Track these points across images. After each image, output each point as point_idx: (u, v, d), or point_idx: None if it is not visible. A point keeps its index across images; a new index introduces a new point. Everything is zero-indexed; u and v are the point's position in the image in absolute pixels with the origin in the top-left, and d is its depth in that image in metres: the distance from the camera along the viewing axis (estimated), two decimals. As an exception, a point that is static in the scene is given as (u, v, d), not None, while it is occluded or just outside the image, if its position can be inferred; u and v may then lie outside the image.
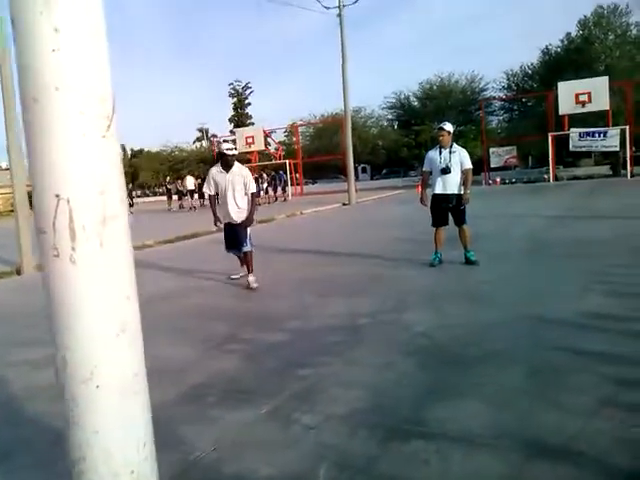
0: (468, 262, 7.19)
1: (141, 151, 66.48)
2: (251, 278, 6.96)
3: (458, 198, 7.17)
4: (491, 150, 34.59)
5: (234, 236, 7.03)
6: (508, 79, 42.61)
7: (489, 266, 6.99)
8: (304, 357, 4.06)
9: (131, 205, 32.66)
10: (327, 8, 23.21)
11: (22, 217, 10.08)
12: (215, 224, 7.17)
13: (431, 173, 7.40)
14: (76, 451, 1.01)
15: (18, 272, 9.93)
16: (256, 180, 31.84)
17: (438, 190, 7.23)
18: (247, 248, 6.97)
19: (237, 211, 6.89)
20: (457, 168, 7.15)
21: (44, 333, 4.17)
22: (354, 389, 3.37)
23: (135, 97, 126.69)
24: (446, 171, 7.10)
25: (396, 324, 4.75)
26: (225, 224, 7.10)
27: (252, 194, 6.98)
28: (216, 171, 6.96)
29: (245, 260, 7.10)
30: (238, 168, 6.93)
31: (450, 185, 7.16)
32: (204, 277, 7.99)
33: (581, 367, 3.45)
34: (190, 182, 31.34)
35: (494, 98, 43.57)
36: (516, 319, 4.59)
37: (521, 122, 40.09)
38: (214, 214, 7.13)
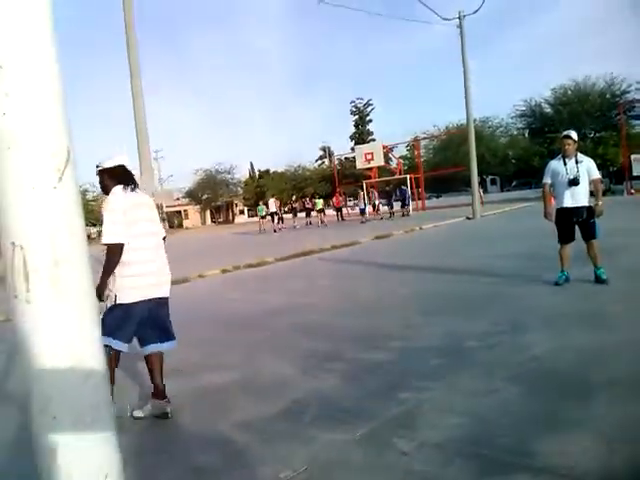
0: (598, 280, 6.56)
1: (267, 172, 69.69)
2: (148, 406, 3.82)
3: (589, 210, 6.60)
4: (633, 157, 31.53)
5: (154, 323, 3.81)
6: (653, 79, 38.72)
7: (621, 285, 6.32)
8: (405, 379, 3.94)
9: (281, 220, 33.52)
10: (446, 20, 22.76)
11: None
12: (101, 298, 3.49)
13: (552, 185, 6.90)
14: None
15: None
16: (364, 196, 31.45)
17: (567, 203, 6.68)
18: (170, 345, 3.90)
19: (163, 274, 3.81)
20: (585, 179, 6.61)
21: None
22: (454, 415, 3.20)
23: (263, 119, 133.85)
24: (575, 182, 6.56)
25: (507, 346, 4.44)
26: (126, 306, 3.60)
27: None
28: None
29: (154, 366, 3.86)
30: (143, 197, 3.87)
31: (579, 197, 6.60)
32: (313, 293, 8.11)
33: None
34: (272, 205, 32.27)
35: (637, 101, 39.72)
36: (648, 345, 4.09)
37: (670, 125, 36.17)
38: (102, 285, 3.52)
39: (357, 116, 64.51)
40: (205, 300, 9.00)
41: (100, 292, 3.45)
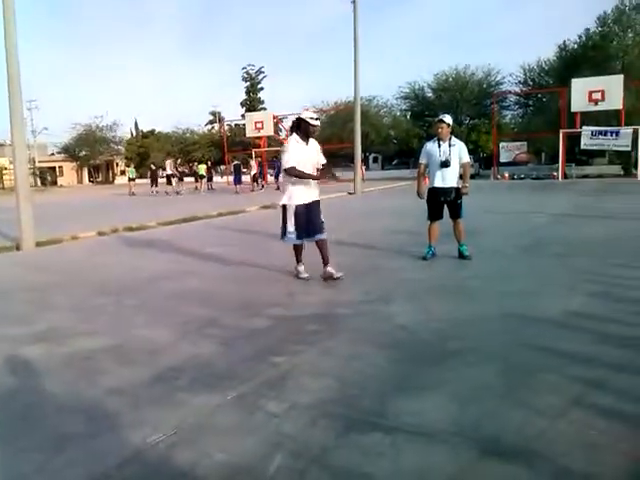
0: (461, 256, 7.17)
1: (152, 132, 66.34)
2: (330, 269, 6.25)
3: (457, 191, 7.14)
4: (501, 145, 34.33)
5: (312, 219, 6.23)
6: (525, 74, 42.14)
7: (481, 261, 6.96)
8: (280, 345, 4.06)
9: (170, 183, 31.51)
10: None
11: (22, 194, 10.15)
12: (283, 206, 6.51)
13: (427, 166, 7.36)
14: None
15: (18, 247, 10.02)
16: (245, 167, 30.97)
17: (437, 184, 7.18)
18: (326, 234, 6.30)
19: (316, 188, 6.34)
20: (456, 162, 7.11)
21: (33, 310, 4.27)
22: (323, 379, 3.37)
23: (148, 77, 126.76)
24: (446, 164, 7.05)
25: (377, 315, 4.74)
26: (299, 207, 6.20)
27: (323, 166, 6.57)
28: (295, 141, 6.24)
29: (322, 248, 6.27)
30: (312, 141, 6.45)
31: (449, 179, 7.12)
32: (193, 260, 8.00)
33: (555, 367, 3.42)
34: (168, 166, 31.70)
35: (508, 92, 43.08)
36: (500, 316, 4.57)
37: (534, 118, 39.74)
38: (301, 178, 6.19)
39: (249, 83, 63.24)
40: (78, 263, 8.51)
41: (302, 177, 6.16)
